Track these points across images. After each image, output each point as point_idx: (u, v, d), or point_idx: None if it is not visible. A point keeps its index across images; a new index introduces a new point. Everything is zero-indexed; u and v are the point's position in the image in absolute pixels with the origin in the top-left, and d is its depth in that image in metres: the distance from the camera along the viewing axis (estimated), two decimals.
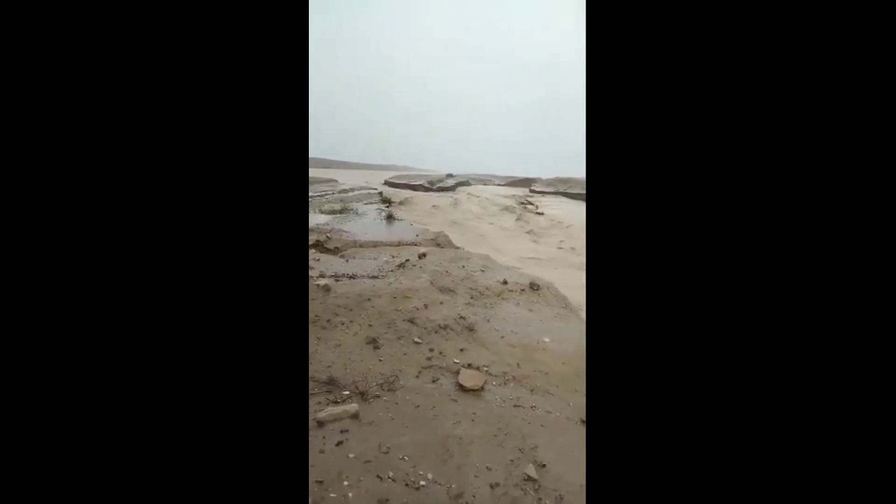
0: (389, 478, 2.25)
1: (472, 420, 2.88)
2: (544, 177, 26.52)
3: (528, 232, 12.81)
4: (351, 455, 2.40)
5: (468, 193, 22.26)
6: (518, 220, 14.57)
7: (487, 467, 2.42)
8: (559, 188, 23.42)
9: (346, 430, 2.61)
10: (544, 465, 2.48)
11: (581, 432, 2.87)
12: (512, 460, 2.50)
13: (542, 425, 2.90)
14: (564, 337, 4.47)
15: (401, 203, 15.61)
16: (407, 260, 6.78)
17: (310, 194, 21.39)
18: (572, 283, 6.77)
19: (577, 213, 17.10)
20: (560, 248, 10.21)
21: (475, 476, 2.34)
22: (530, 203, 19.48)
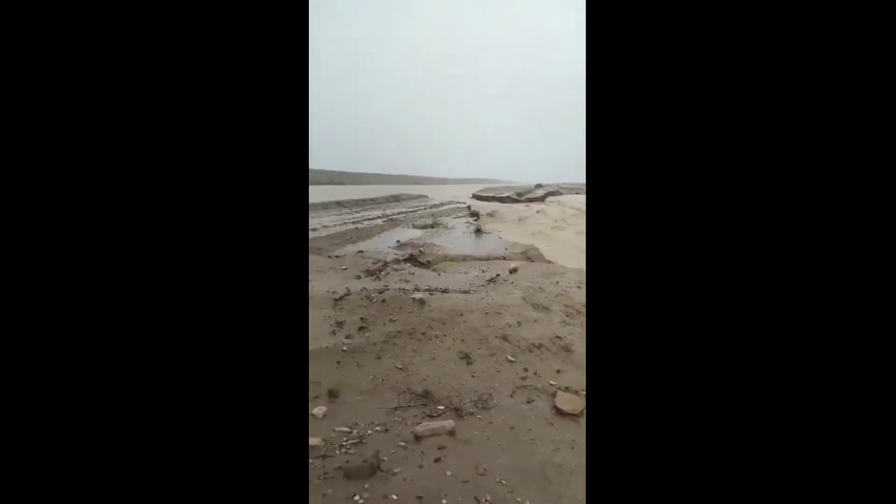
0: (487, 501, 2.22)
1: (572, 448, 2.72)
2: None
3: None
4: (448, 473, 2.41)
5: (559, 203, 21.53)
6: None
7: None
8: None
9: (444, 447, 2.64)
10: None
11: None
12: None
13: None
14: None
15: (489, 216, 15.65)
16: (497, 274, 6.75)
17: (401, 210, 22.53)
18: None
19: None
20: None
21: None
22: None
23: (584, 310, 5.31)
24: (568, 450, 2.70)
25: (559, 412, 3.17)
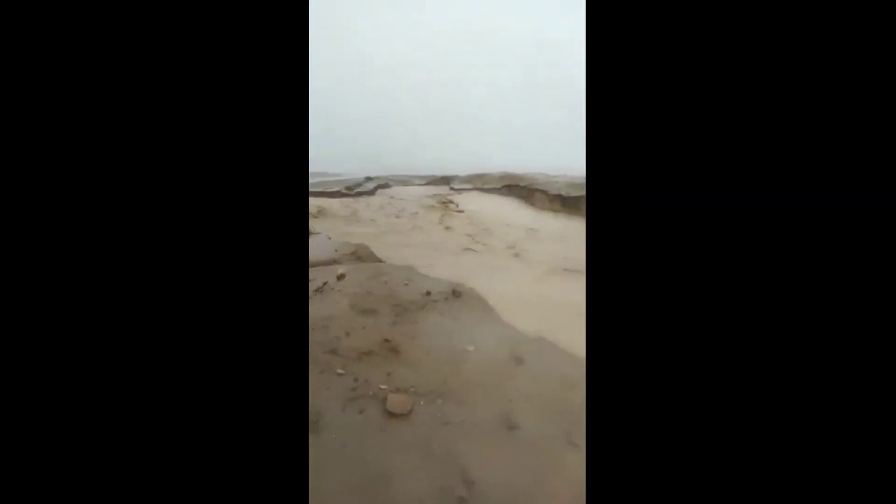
0: None
1: (404, 451, 2.90)
2: (462, 174, 27.11)
3: (448, 229, 13.07)
4: None
5: (390, 196, 22.08)
6: (441, 221, 14.78)
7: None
8: (475, 184, 24.12)
9: None
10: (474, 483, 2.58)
11: (506, 439, 3.04)
12: (442, 487, 2.57)
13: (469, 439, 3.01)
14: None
15: (317, 214, 14.99)
16: (325, 283, 6.56)
17: None
18: (493, 284, 7.06)
19: (490, 207, 17.88)
20: (481, 245, 10.57)
21: None
22: (451, 202, 19.84)
23: (410, 305, 5.64)
24: (399, 454, 2.87)
25: (390, 415, 3.33)
